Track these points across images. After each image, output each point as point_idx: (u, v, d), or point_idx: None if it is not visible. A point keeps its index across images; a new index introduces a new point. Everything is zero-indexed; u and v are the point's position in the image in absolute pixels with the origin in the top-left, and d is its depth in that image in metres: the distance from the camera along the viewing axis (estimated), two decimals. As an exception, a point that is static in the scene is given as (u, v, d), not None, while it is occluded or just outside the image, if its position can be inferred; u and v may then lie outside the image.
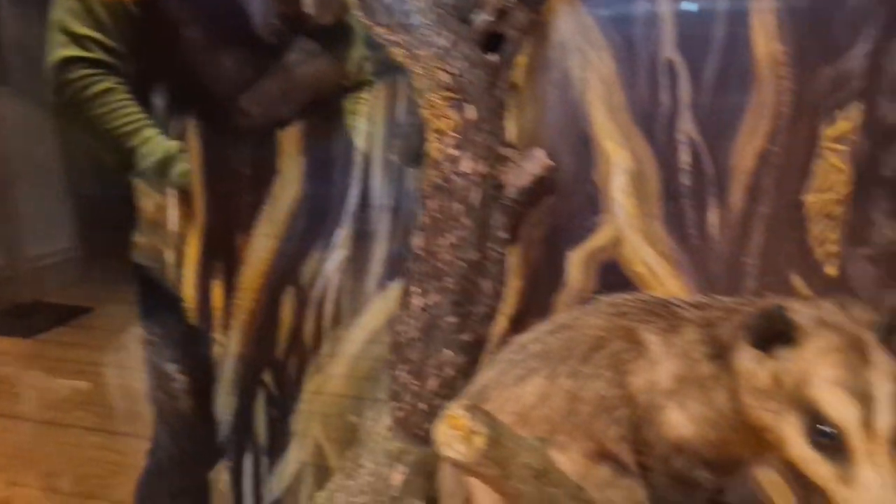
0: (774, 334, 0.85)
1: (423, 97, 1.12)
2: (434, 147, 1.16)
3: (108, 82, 1.41)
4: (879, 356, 0.82)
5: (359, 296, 1.68)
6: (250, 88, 1.47)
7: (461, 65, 1.11)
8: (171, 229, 1.77)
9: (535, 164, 1.27)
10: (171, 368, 1.14)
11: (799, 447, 0.82)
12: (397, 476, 1.26)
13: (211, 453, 1.31)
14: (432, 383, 1.24)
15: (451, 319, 1.22)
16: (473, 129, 1.13)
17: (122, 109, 1.39)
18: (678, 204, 1.42)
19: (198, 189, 1.74)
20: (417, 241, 1.23)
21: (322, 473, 1.75)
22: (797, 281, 1.36)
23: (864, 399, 0.79)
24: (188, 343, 1.22)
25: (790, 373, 0.84)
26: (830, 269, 1.36)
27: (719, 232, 1.40)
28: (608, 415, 0.97)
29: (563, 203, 1.45)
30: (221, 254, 1.76)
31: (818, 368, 0.82)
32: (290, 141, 1.66)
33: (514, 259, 1.41)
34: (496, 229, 1.22)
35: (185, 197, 1.75)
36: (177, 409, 1.13)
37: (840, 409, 0.79)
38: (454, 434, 0.78)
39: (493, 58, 1.18)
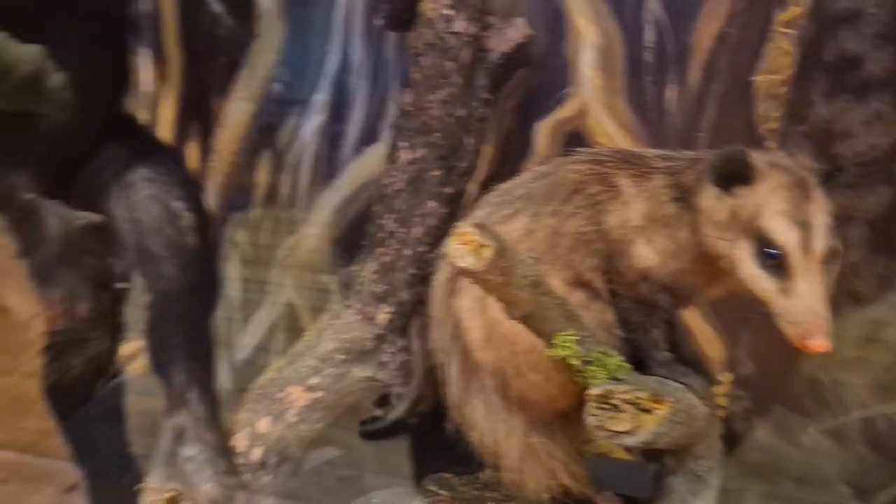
0: (734, 174, 1.00)
1: (421, -42, 1.19)
2: (429, 6, 1.23)
3: None
4: (818, 194, 0.98)
5: (334, 160, 1.76)
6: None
7: (457, -73, 1.18)
8: (144, 90, 1.79)
9: (516, 31, 1.36)
10: (178, 206, 1.21)
11: (749, 267, 0.98)
12: (382, 315, 1.39)
13: (216, 287, 1.40)
14: (416, 231, 1.35)
15: (436, 172, 1.33)
16: (467, -9, 1.21)
17: None
18: (641, 80, 1.54)
19: (174, 50, 1.76)
20: (407, 97, 1.31)
21: (293, 329, 1.88)
22: (742, 153, 1.52)
23: (804, 227, 0.95)
24: (189, 182, 1.28)
25: (745, 207, 0.99)
26: (771, 145, 1.51)
27: (676, 107, 1.54)
28: (585, 248, 1.11)
29: (535, 75, 1.56)
30: (197, 116, 1.80)
31: (769, 202, 0.97)
32: (270, 4, 1.69)
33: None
34: (481, 89, 1.32)
35: (159, 58, 1.76)
36: (185, 244, 1.21)
37: (785, 233, 0.95)
38: (465, 248, 0.90)
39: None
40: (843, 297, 1.56)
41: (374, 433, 1.75)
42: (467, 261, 0.90)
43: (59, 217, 1.16)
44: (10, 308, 1.49)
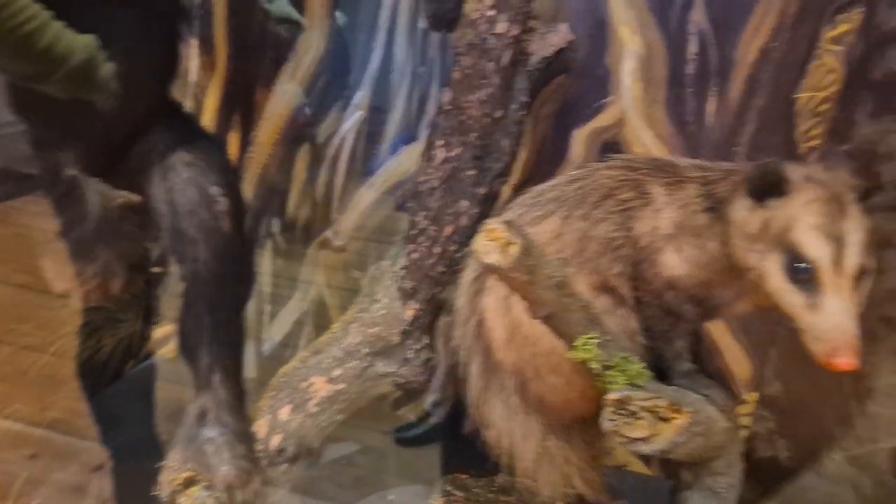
0: (768, 186, 0.99)
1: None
2: (472, 7, 1.24)
3: None
4: (854, 210, 0.97)
5: (372, 156, 1.79)
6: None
7: (503, -69, 1.19)
8: (191, 79, 1.83)
9: (559, 36, 1.36)
10: (215, 191, 1.23)
11: (778, 280, 0.97)
12: (409, 311, 1.40)
13: (247, 274, 1.42)
14: (448, 230, 1.36)
15: (471, 172, 1.33)
16: (511, -8, 1.22)
17: (17, 3, 1.02)
18: (681, 91, 1.53)
19: (221, 41, 1.80)
20: (446, 96, 1.32)
21: (322, 321, 1.90)
22: (780, 170, 1.50)
23: (838, 242, 0.94)
24: (227, 170, 1.31)
25: (778, 219, 0.97)
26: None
27: (715, 120, 1.53)
28: (613, 253, 1.10)
29: (575, 83, 1.56)
30: (241, 107, 1.84)
31: (802, 215, 0.96)
32: (318, 1, 1.72)
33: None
34: (520, 92, 1.32)
35: (206, 48, 1.81)
36: (219, 229, 1.23)
37: (816, 248, 0.94)
38: (492, 245, 0.91)
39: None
40: (878, 322, 1.53)
41: (410, 440, 1.77)
42: (494, 257, 0.91)
43: (99, 194, 1.20)
44: (47, 287, 1.54)
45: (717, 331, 1.59)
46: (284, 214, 1.87)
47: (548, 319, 0.97)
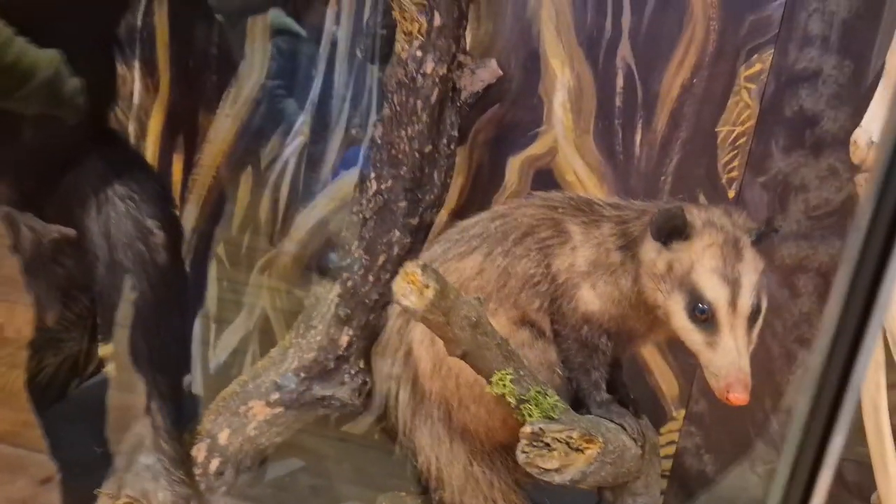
0: (673, 230, 1.05)
1: (397, 2, 1.24)
2: (401, 47, 1.29)
3: None
4: (749, 253, 1.04)
5: (313, 181, 1.82)
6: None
7: (433, -25, 1.24)
8: (133, 102, 1.84)
9: (488, 72, 1.41)
10: (151, 224, 1.26)
11: (681, 320, 1.03)
12: (345, 338, 1.44)
13: (183, 303, 1.45)
14: (381, 258, 1.40)
15: (402, 204, 1.38)
16: (438, 35, 1.27)
17: None
18: (610, 123, 1.60)
19: (164, 64, 1.81)
20: (377, 131, 1.37)
21: (267, 340, 1.93)
22: (702, 199, 1.58)
23: (734, 284, 1.00)
24: (164, 200, 1.33)
25: (681, 261, 1.04)
26: (731, 192, 1.57)
27: (641, 151, 1.59)
28: (533, 289, 1.16)
29: (510, 112, 1.62)
30: (184, 130, 1.86)
31: (702, 258, 1.02)
32: (258, 27, 1.75)
33: (459, 159, 1.57)
34: (449, 127, 1.37)
35: (149, 70, 1.82)
36: (155, 261, 1.26)
37: (714, 290, 1.00)
38: (409, 287, 0.96)
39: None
40: (794, 344, 1.62)
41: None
42: (411, 300, 0.95)
43: (33, 230, 1.21)
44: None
45: (648, 353, 1.66)
46: (229, 237, 1.89)
47: (464, 357, 1.02)
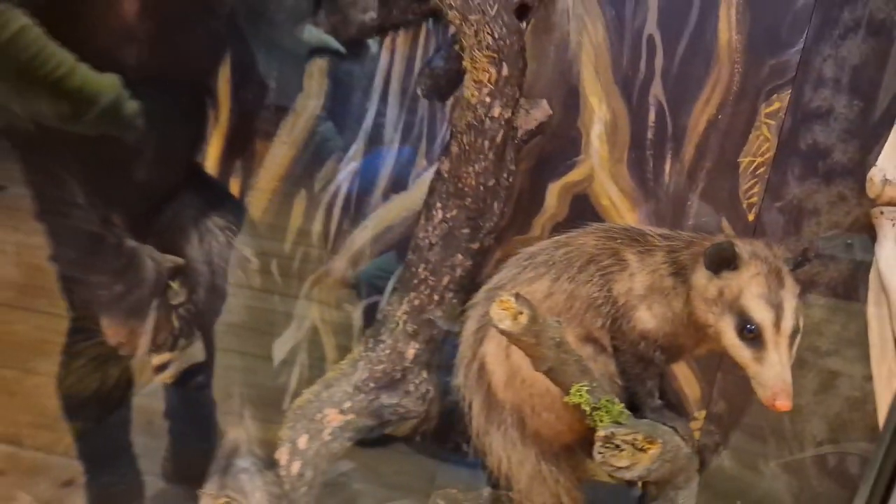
0: (723, 261, 1.22)
1: (470, 53, 1.40)
2: (472, 93, 1.44)
3: (20, 20, 1.15)
4: (790, 281, 1.21)
5: (364, 204, 1.97)
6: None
7: (501, 30, 1.39)
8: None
9: (540, 111, 1.58)
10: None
11: (731, 338, 1.20)
12: (411, 351, 1.59)
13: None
14: (445, 280, 1.56)
15: (465, 230, 1.53)
16: (505, 83, 1.43)
17: (47, 49, 1.13)
18: (642, 153, 1.77)
19: (224, 94, 1.95)
20: (444, 165, 1.52)
21: (315, 349, 2.07)
22: (725, 223, 1.76)
23: (777, 308, 1.18)
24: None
25: (730, 288, 1.21)
26: (751, 216, 1.75)
27: (670, 178, 1.77)
28: (596, 310, 1.32)
29: (550, 142, 1.78)
30: (241, 156, 1.99)
31: (750, 286, 1.19)
32: (316, 65, 1.89)
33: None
34: (509, 162, 1.53)
35: (212, 102, 1.95)
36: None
37: (761, 313, 1.17)
38: (504, 313, 1.11)
39: (522, 25, 1.47)
40: (806, 351, 1.81)
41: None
42: (506, 324, 1.11)
43: (153, 260, 1.35)
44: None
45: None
46: (282, 255, 2.03)
47: (548, 372, 1.18)
